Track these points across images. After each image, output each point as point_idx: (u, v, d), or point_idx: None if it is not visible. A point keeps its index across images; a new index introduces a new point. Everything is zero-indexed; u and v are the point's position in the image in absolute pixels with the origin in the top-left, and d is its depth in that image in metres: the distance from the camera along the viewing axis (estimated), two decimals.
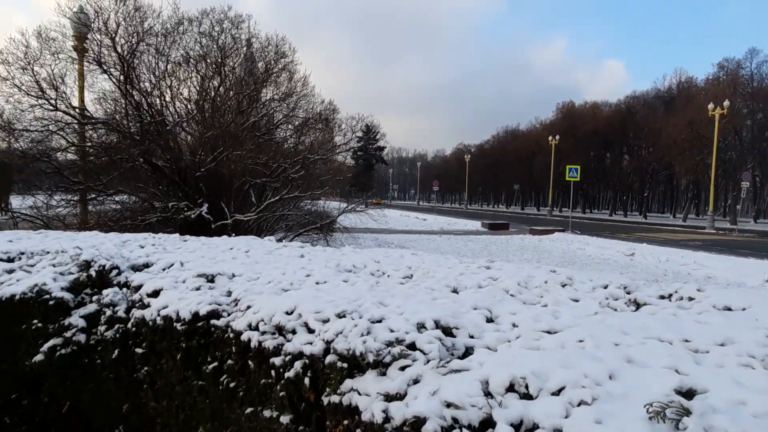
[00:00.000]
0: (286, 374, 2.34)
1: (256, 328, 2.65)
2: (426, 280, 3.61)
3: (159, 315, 3.17)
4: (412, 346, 2.13)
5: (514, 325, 2.41)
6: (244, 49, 13.29)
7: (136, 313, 3.34)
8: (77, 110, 12.10)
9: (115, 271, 3.92)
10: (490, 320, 2.55)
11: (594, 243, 22.36)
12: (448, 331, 2.30)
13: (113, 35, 11.64)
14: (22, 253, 4.72)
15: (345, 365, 2.13)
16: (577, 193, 56.84)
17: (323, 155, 13.77)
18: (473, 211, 69.99)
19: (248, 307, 2.86)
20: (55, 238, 5.74)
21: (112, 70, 12.11)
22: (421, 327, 2.29)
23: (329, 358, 2.21)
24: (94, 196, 13.36)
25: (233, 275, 3.68)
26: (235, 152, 11.98)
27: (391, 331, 2.24)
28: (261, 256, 4.61)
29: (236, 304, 3.05)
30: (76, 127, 12.42)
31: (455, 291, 3.33)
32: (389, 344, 2.13)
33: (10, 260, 4.62)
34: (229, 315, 2.97)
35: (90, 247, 4.92)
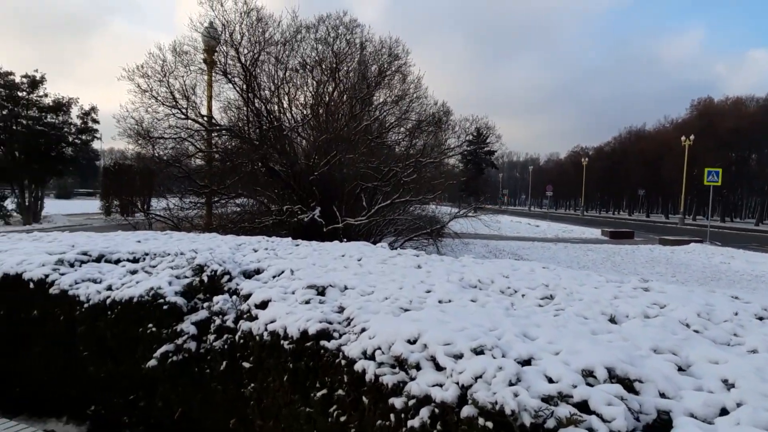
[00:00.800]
0: (410, 422, 1.89)
1: (372, 357, 2.23)
2: (571, 303, 2.97)
3: (266, 330, 2.88)
4: (584, 407, 1.56)
5: (725, 383, 1.73)
6: (358, 53, 13.29)
7: (244, 325, 3.09)
8: (205, 118, 12.85)
9: (226, 277, 3.75)
10: (681, 369, 1.89)
11: (741, 256, 19.48)
12: (627, 385, 1.69)
13: (238, 46, 12.20)
14: (146, 254, 4.80)
15: (490, 424, 1.61)
16: (714, 200, 50.76)
17: (436, 158, 13.33)
18: (590, 217, 65.45)
19: (363, 330, 2.45)
20: (177, 239, 5.87)
21: (236, 79, 12.73)
22: (588, 375, 1.71)
23: (466, 411, 1.71)
24: (217, 199, 14.14)
25: (345, 288, 3.32)
26: (347, 156, 11.95)
27: (550, 380, 1.69)
28: (374, 266, 4.23)
29: (349, 324, 2.66)
30: (204, 134, 13.20)
31: (613, 321, 2.66)
32: (549, 400, 1.58)
33: (135, 260, 4.70)
34: (340, 336, 2.59)
35: (206, 250, 4.89)
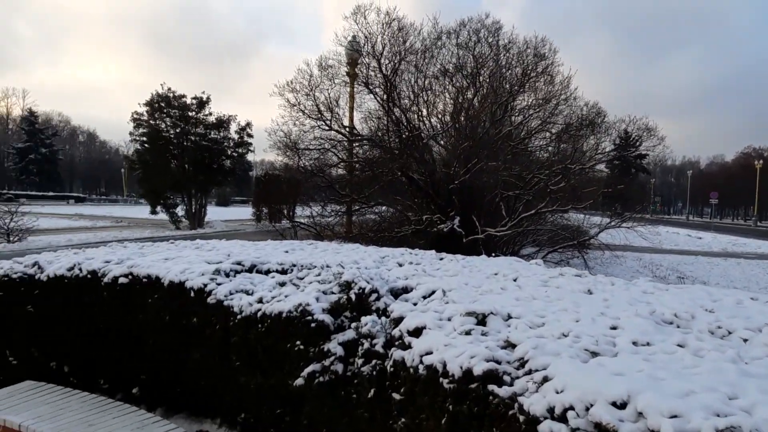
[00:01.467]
0: None
1: (563, 419, 1.76)
2: None
3: (421, 362, 2.54)
4: None
5: None
6: (500, 56, 12.68)
7: (396, 353, 2.79)
8: (347, 129, 13.21)
9: (373, 296, 3.51)
10: None
11: None
12: None
13: (379, 57, 12.33)
14: (294, 266, 4.79)
15: None
16: None
17: (585, 164, 12.17)
18: (765, 228, 56.22)
19: (545, 379, 1.99)
20: (322, 250, 5.87)
21: (377, 89, 12.88)
22: None
23: None
24: (357, 207, 14.43)
25: (509, 316, 2.86)
26: (489, 164, 11.40)
27: None
28: (535, 288, 3.70)
29: (522, 366, 2.21)
30: (346, 144, 13.57)
31: None
32: None
33: (284, 272, 4.71)
34: (513, 382, 2.15)
35: (351, 263, 4.74)
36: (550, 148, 13.39)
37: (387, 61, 12.41)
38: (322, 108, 12.68)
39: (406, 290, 3.80)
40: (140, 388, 4.71)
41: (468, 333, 2.61)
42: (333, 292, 3.70)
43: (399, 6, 12.73)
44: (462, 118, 12.49)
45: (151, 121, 29.42)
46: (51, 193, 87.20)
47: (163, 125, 29.53)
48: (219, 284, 4.07)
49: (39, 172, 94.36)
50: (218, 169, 30.78)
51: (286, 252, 5.65)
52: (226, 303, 3.83)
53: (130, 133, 30.06)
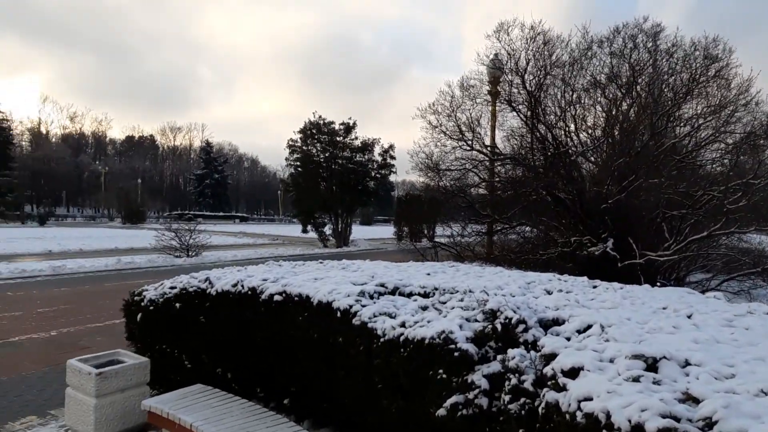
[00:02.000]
0: None
1: None
2: None
3: (579, 408, 2.27)
4: None
5: None
6: (662, 61, 11.48)
7: (548, 394, 2.54)
8: (488, 148, 12.98)
9: (521, 326, 3.28)
10: None
11: None
12: None
13: (523, 73, 11.96)
14: (436, 289, 4.73)
15: None
16: None
17: None
18: None
19: None
20: (464, 273, 5.73)
21: (520, 107, 12.50)
22: None
23: None
24: (499, 228, 14.03)
25: (686, 362, 2.45)
26: (649, 181, 10.31)
27: None
28: (717, 328, 3.16)
29: (710, 428, 1.85)
30: (487, 164, 13.33)
31: None
32: None
33: (426, 295, 4.67)
34: None
35: (495, 289, 4.54)
36: (725, 161, 11.70)
37: (531, 77, 11.98)
38: (464, 128, 12.64)
39: (557, 322, 3.50)
40: (291, 400, 4.97)
41: (636, 380, 2.28)
42: (476, 320, 3.54)
43: (545, 19, 12.17)
44: (616, 132, 11.52)
45: (303, 147, 32.00)
46: (221, 213, 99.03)
47: (314, 150, 31.93)
48: (363, 306, 4.14)
49: (212, 195, 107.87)
50: (363, 190, 32.33)
51: (428, 274, 5.62)
52: (369, 325, 3.87)
53: (286, 159, 32.96)
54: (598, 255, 10.04)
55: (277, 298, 4.82)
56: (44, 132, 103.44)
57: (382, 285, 4.76)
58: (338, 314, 4.23)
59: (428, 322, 3.62)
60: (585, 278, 5.39)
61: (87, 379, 4.92)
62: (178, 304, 5.65)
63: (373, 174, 32.65)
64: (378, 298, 4.45)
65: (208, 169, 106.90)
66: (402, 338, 3.58)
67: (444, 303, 4.39)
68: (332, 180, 31.61)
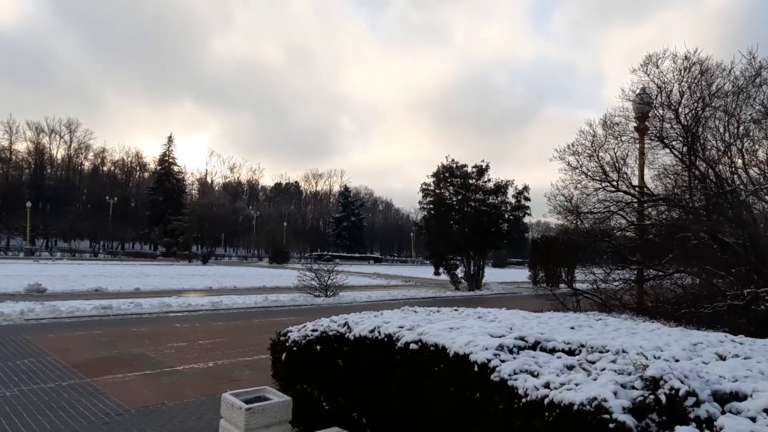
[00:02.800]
0: None
1: None
2: None
3: None
4: None
5: None
6: None
7: None
8: (637, 189, 11.94)
9: (690, 399, 2.84)
10: None
11: None
12: None
13: (676, 107, 10.95)
14: (583, 346, 4.35)
15: None
16: None
17: None
18: None
19: None
20: (614, 329, 5.20)
21: (674, 143, 11.38)
22: None
23: None
24: (651, 275, 12.68)
25: None
26: None
27: None
28: None
29: None
30: (635, 205, 12.24)
31: None
32: None
33: (571, 352, 4.31)
34: None
35: (653, 350, 4.04)
36: None
37: (686, 110, 10.89)
38: (607, 168, 11.82)
39: (737, 397, 2.97)
40: None
41: None
42: (634, 387, 3.15)
43: (701, 47, 11.01)
44: None
45: (436, 190, 32.42)
46: (356, 255, 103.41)
47: (446, 193, 32.19)
48: (503, 361, 3.93)
49: (349, 237, 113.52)
50: (495, 232, 31.64)
51: (572, 328, 5.20)
52: (510, 383, 3.65)
53: (419, 202, 33.59)
54: None
55: (413, 346, 4.79)
56: (209, 182, 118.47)
57: (522, 338, 4.50)
58: (475, 368, 4.06)
59: (576, 385, 3.31)
60: (766, 340, 4.57)
61: (238, 413, 5.28)
62: (318, 347, 5.89)
63: (506, 216, 31.85)
64: (518, 353, 4.20)
65: (346, 212, 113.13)
66: (546, 401, 3.31)
67: (593, 363, 4.01)
68: (464, 222, 31.42)
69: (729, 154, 10.99)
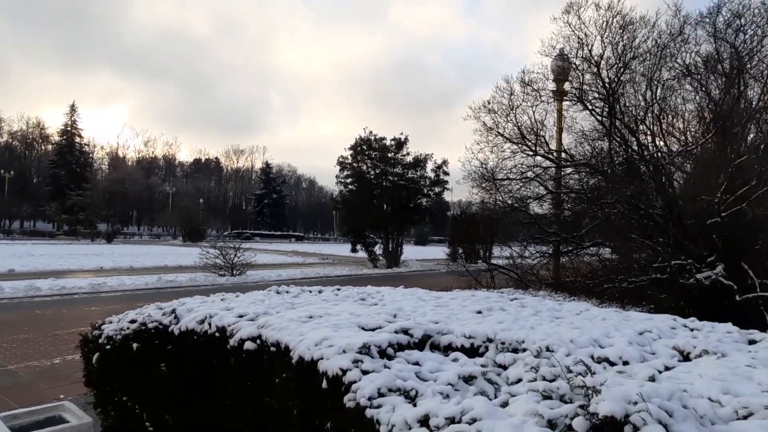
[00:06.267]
0: None
1: None
2: None
3: None
4: None
5: None
6: None
7: None
8: (555, 153, 11.00)
9: None
10: None
11: None
12: None
13: (597, 63, 9.99)
14: (490, 341, 2.97)
15: None
16: None
17: None
18: None
19: None
20: (533, 312, 3.88)
21: (595, 103, 10.46)
22: None
23: None
24: (568, 249, 11.93)
25: None
26: (760, 191, 8.04)
27: None
28: None
29: None
30: (553, 172, 11.33)
31: None
32: None
33: (473, 350, 2.93)
34: None
35: (590, 347, 2.73)
36: None
37: (608, 67, 9.98)
38: (525, 131, 10.75)
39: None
40: None
41: None
42: (567, 422, 1.76)
43: None
44: (718, 131, 9.26)
45: (354, 164, 30.81)
46: (278, 233, 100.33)
47: (364, 167, 30.68)
48: (365, 372, 2.45)
49: (270, 215, 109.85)
50: (414, 208, 30.66)
51: (479, 312, 3.84)
52: (369, 413, 2.18)
53: (336, 176, 31.87)
54: (709, 284, 7.81)
55: (248, 345, 3.22)
56: (121, 156, 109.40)
57: (406, 331, 3.06)
58: (325, 383, 2.55)
59: (472, 420, 1.87)
60: (729, 325, 3.44)
61: None
62: (135, 344, 4.17)
63: (425, 191, 30.89)
64: (395, 356, 2.74)
65: (267, 190, 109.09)
66: None
67: (504, 368, 2.64)
68: (383, 198, 30.12)
69: (652, 117, 10.27)
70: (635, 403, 1.56)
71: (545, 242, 12.43)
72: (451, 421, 1.90)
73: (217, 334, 3.53)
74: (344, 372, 2.48)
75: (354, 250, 31.85)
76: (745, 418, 1.65)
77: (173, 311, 4.10)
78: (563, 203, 11.61)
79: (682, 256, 8.32)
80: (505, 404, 2.07)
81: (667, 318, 3.63)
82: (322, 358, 2.65)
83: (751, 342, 3.15)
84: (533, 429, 1.67)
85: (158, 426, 4.24)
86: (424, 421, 1.97)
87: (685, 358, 2.75)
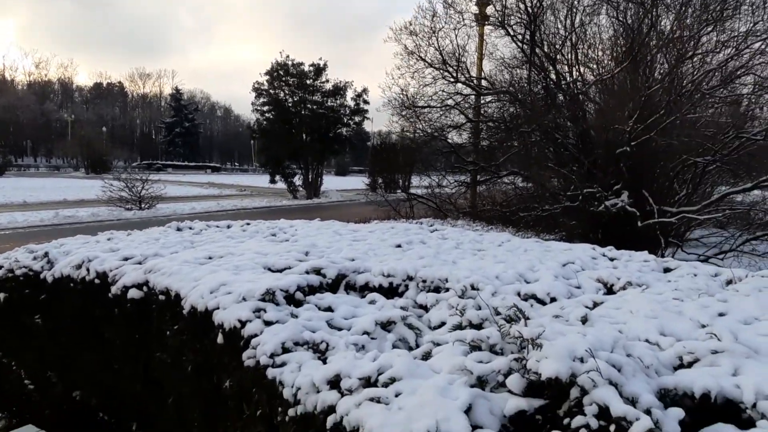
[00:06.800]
0: None
1: None
2: None
3: None
4: None
5: None
6: None
7: None
8: (475, 80, 10.75)
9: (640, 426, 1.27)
10: None
11: None
12: None
13: None
14: (411, 278, 2.72)
15: None
16: None
17: None
18: None
19: None
20: (454, 245, 3.69)
21: (516, 29, 10.18)
22: None
23: None
24: (485, 178, 12.05)
25: None
26: (685, 116, 8.33)
27: None
28: None
29: None
30: (473, 101, 11.14)
31: None
32: None
33: (391, 290, 2.68)
34: None
35: (517, 282, 2.55)
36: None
37: None
38: (447, 56, 10.36)
39: (715, 401, 1.50)
40: None
41: None
42: (500, 379, 1.53)
43: None
44: (631, 62, 9.38)
45: (270, 90, 29.11)
46: (192, 164, 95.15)
47: (282, 94, 29.10)
48: (267, 323, 2.10)
49: (183, 145, 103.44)
50: (334, 137, 29.84)
51: (398, 247, 3.59)
52: (270, 374, 1.85)
53: (252, 103, 30.07)
54: (616, 211, 8.14)
55: (133, 293, 2.75)
56: (9, 79, 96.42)
57: (318, 271, 2.73)
58: (221, 337, 2.19)
59: (390, 382, 1.60)
60: (645, 254, 3.44)
61: None
62: (2, 295, 3.54)
63: (345, 120, 29.99)
64: (305, 301, 2.41)
65: (178, 118, 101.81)
66: (331, 422, 1.57)
67: (426, 311, 2.40)
68: (302, 127, 28.90)
69: (567, 47, 10.21)
70: (581, 360, 1.34)
71: (463, 172, 12.46)
72: (367, 381, 1.62)
73: (97, 281, 3.01)
74: (243, 324, 2.12)
75: (273, 182, 30.82)
76: (690, 365, 1.51)
77: (46, 255, 3.48)
78: (482, 132, 11.55)
79: (594, 185, 8.57)
80: (427, 356, 1.83)
81: (586, 247, 3.59)
82: (218, 308, 2.26)
83: (666, 270, 3.16)
84: (462, 391, 1.42)
85: (40, 384, 3.73)
86: (334, 382, 1.67)
87: (609, 290, 2.67)
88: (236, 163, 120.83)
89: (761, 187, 7.84)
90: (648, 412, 1.19)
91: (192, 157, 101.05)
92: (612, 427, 1.16)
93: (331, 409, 1.59)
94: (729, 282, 2.85)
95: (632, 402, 1.24)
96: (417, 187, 14.74)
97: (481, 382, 1.52)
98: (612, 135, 8.22)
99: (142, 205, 21.79)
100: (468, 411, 1.36)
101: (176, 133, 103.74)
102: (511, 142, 10.38)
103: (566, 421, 1.25)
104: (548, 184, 9.50)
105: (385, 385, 1.58)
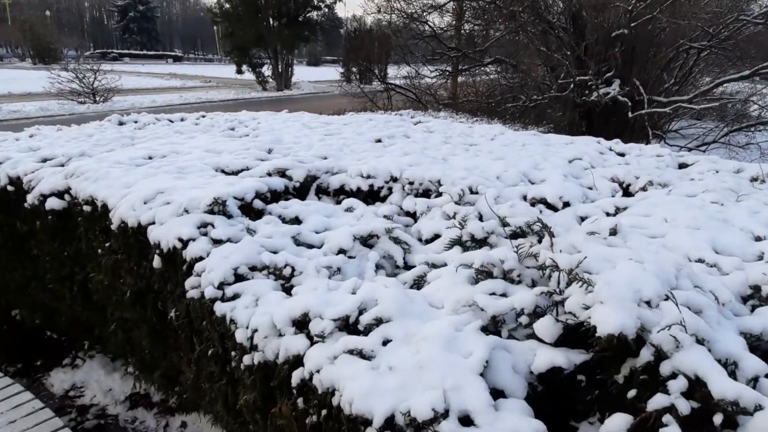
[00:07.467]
0: None
1: None
2: None
3: None
4: None
5: None
6: None
7: None
8: None
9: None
10: None
11: None
12: None
13: None
14: (395, 180, 2.27)
15: None
16: None
17: None
18: None
19: None
20: (443, 139, 3.19)
21: None
22: None
23: None
24: (467, 67, 11.23)
25: None
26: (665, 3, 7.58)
27: None
28: None
29: None
30: None
31: None
32: None
33: (374, 194, 2.24)
34: None
35: (522, 184, 2.13)
36: None
37: None
38: None
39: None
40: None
41: None
42: (524, 321, 1.14)
43: None
44: None
45: None
46: (152, 53, 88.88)
47: None
48: (216, 242, 1.65)
49: (139, 31, 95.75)
50: (305, 22, 27.63)
51: (379, 141, 3.08)
52: (219, 310, 1.43)
53: None
54: (608, 101, 7.63)
55: (53, 203, 2.24)
56: None
57: (282, 173, 2.24)
58: (157, 258, 1.74)
59: (376, 321, 1.19)
60: (657, 147, 3.02)
61: None
62: None
63: (316, 2, 27.62)
64: (265, 211, 1.95)
65: (131, 0, 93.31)
66: (298, 377, 1.18)
67: (414, 220, 1.98)
68: (268, 9, 26.58)
69: None
70: (648, 303, 0.94)
71: (444, 59, 11.59)
72: (344, 323, 1.22)
73: (10, 188, 2.47)
74: (185, 243, 1.66)
75: (239, 72, 28.93)
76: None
77: None
78: (466, 12, 10.53)
79: (589, 72, 7.96)
80: (421, 281, 1.42)
81: (590, 141, 3.15)
82: (152, 223, 1.78)
83: (682, 165, 2.77)
84: (475, 340, 1.03)
85: None
86: (301, 323, 1.26)
87: (626, 191, 2.28)
88: (200, 53, 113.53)
89: (760, 74, 7.36)
90: (754, 381, 0.82)
91: (151, 45, 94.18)
92: (717, 418, 0.78)
93: (298, 360, 1.19)
94: (755, 179, 2.48)
95: (731, 368, 0.86)
96: (395, 78, 13.81)
97: (495, 323, 1.13)
98: (611, 15, 7.47)
99: (97, 98, 20.31)
100: (484, 371, 0.97)
101: (130, 18, 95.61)
102: (497, 25, 9.47)
103: (631, 394, 0.88)
104: (535, 73, 8.84)
105: (369, 328, 1.18)
